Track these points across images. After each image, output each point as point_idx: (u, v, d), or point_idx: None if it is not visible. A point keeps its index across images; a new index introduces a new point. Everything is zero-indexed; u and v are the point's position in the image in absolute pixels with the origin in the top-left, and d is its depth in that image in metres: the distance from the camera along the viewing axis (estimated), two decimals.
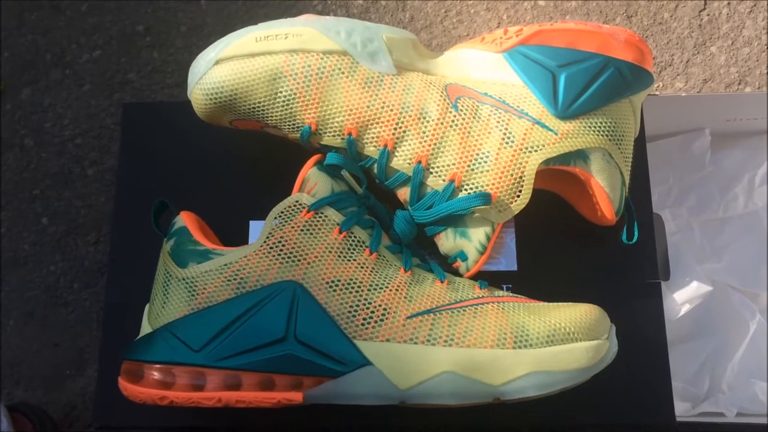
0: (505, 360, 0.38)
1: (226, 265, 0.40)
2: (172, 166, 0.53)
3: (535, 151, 0.43)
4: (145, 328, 0.42)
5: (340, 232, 0.41)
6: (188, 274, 0.41)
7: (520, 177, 0.43)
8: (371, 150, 0.44)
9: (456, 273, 0.46)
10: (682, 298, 0.65)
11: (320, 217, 0.41)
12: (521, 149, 0.43)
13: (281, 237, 0.40)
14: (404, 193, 0.45)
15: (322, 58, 0.43)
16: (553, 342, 0.38)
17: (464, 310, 0.40)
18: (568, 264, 0.50)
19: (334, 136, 0.44)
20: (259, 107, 0.44)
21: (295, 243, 0.40)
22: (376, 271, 0.41)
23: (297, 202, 0.41)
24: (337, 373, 0.38)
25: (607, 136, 0.43)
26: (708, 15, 0.86)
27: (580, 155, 0.43)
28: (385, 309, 0.39)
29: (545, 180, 0.48)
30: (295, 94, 0.43)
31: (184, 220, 0.44)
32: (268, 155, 0.52)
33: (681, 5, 0.86)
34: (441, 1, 0.87)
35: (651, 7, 0.86)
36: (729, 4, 0.86)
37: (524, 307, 0.40)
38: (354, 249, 0.41)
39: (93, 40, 0.85)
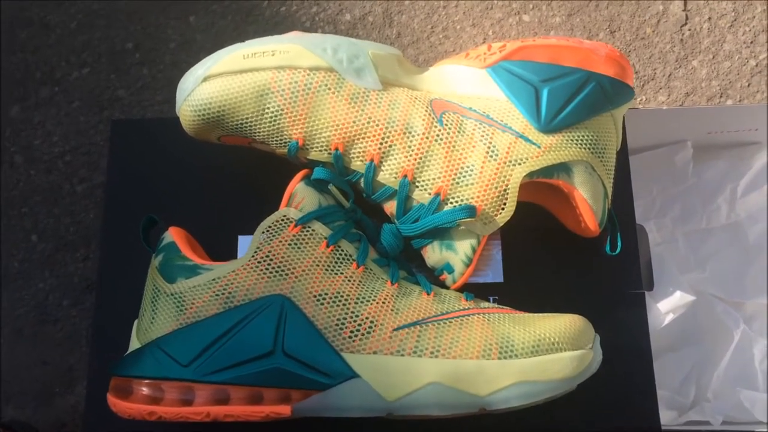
0: (491, 370, 0.38)
1: (214, 279, 0.40)
2: (161, 182, 0.53)
3: (519, 164, 0.43)
4: (134, 344, 0.42)
5: (328, 246, 0.41)
6: (176, 290, 0.41)
7: (505, 190, 0.43)
8: (358, 164, 0.44)
9: (443, 285, 0.46)
10: (666, 307, 0.66)
11: (307, 231, 0.41)
12: (505, 162, 0.43)
13: (269, 251, 0.41)
14: (391, 207, 0.45)
15: (308, 75, 0.44)
16: (538, 352, 0.39)
17: (450, 322, 0.40)
18: (553, 275, 0.50)
19: (321, 151, 0.44)
20: (246, 123, 0.44)
21: (282, 257, 0.41)
22: (363, 284, 0.41)
23: (284, 216, 0.41)
24: (325, 386, 0.39)
25: (589, 149, 0.44)
26: (689, 30, 0.88)
27: (563, 168, 0.44)
28: (372, 321, 0.40)
29: (529, 192, 0.49)
30: (282, 110, 0.44)
31: (173, 235, 0.44)
32: (255, 171, 0.52)
33: (663, 20, 0.88)
34: (428, 18, 0.88)
35: (633, 22, 0.88)
36: (710, 19, 0.88)
37: (509, 318, 0.41)
38: (341, 262, 0.41)
39: (82, 57, 0.85)
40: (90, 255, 0.78)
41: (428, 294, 0.42)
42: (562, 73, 0.45)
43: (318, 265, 0.41)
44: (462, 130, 0.44)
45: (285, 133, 0.44)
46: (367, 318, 0.40)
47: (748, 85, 0.86)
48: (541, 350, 0.39)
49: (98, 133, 0.82)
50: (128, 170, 0.54)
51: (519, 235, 0.49)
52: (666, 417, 0.65)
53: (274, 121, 0.44)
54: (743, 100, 0.85)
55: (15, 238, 0.79)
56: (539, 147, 0.43)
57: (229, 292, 0.40)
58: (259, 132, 0.45)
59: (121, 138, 0.55)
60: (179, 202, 0.52)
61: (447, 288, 0.46)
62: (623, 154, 0.53)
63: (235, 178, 0.53)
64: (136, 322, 0.43)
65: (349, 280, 0.41)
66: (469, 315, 0.41)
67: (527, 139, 0.44)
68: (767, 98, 0.86)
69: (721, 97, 0.85)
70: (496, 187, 0.43)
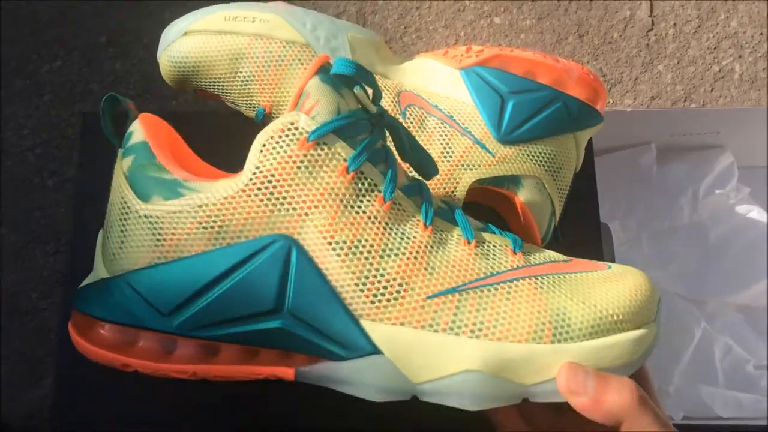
0: (542, 358, 0.31)
1: (200, 206, 0.32)
2: None
3: (471, 169, 0.44)
4: (99, 268, 0.35)
5: (348, 172, 0.32)
6: (152, 212, 0.32)
7: (453, 191, 0.44)
8: None
9: None
10: None
11: (323, 149, 0.31)
12: (457, 165, 0.44)
13: (271, 174, 0.31)
14: None
15: (284, 47, 0.45)
16: (596, 333, 0.32)
17: (496, 290, 0.32)
18: None
19: None
20: (219, 82, 0.45)
21: (289, 184, 0.31)
22: (391, 228, 0.32)
23: (293, 125, 0.31)
24: (339, 357, 0.32)
25: (543, 166, 0.45)
26: (655, 35, 0.90)
27: (513, 180, 0.45)
28: (400, 283, 0.31)
29: (481, 195, 0.50)
30: (253, 76, 0.45)
31: (145, 130, 0.35)
32: (232, 163, 0.52)
33: (630, 26, 0.90)
34: (401, 18, 0.89)
35: (601, 27, 0.89)
36: (675, 25, 0.90)
37: (566, 285, 0.33)
38: (364, 196, 0.32)
39: (54, 50, 0.85)
40: (60, 248, 0.77)
41: (469, 243, 0.33)
42: (531, 88, 0.45)
43: (334, 199, 0.31)
44: (423, 126, 0.45)
45: (254, 98, 0.45)
46: (394, 278, 0.31)
47: (711, 90, 0.88)
48: (601, 331, 0.32)
49: (69, 126, 0.82)
50: (99, 164, 0.54)
51: None
52: None
53: (245, 85, 0.45)
54: (707, 104, 0.88)
55: None
56: (494, 156, 0.44)
57: (220, 225, 0.31)
58: (229, 93, 0.46)
59: (93, 131, 0.55)
60: None
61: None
62: (589, 156, 0.54)
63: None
64: (100, 233, 0.36)
65: (372, 222, 0.32)
66: (518, 279, 0.33)
67: (484, 147, 0.44)
68: (729, 102, 0.88)
69: (685, 101, 0.87)
70: (444, 188, 0.44)
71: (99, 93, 0.83)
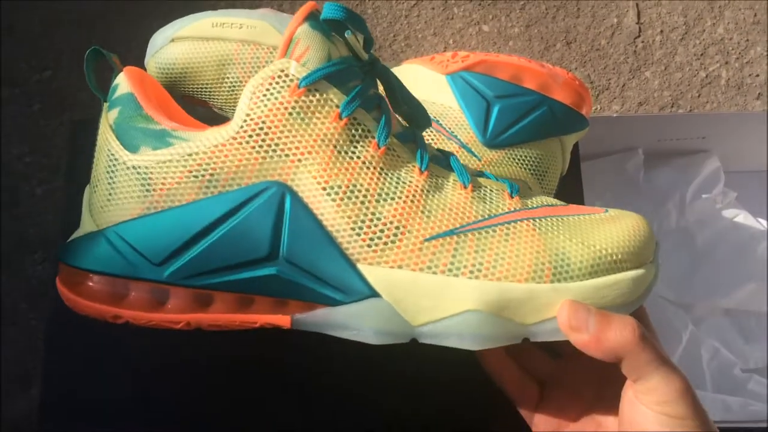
0: (542, 297, 0.31)
1: (190, 155, 0.31)
2: None
3: None
4: (87, 221, 0.34)
5: (341, 118, 0.31)
6: (140, 162, 0.32)
7: None
8: None
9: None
10: None
11: (314, 95, 0.31)
12: None
13: (262, 122, 0.31)
14: None
15: (271, 53, 0.45)
16: (596, 273, 0.31)
17: (494, 231, 0.32)
18: None
19: None
20: (206, 88, 0.46)
21: (281, 131, 0.31)
22: (386, 173, 0.32)
23: (283, 72, 0.31)
24: (336, 302, 0.32)
25: (529, 169, 0.45)
26: (642, 42, 0.91)
27: None
28: (397, 226, 0.31)
29: None
30: (240, 81, 0.45)
31: (130, 82, 0.34)
32: None
33: (617, 33, 0.91)
34: (390, 26, 0.89)
35: (589, 34, 0.90)
36: (662, 32, 0.91)
37: (563, 226, 0.33)
38: (358, 141, 0.32)
39: (44, 61, 0.85)
40: (48, 257, 0.77)
41: (465, 187, 0.33)
42: (516, 92, 0.45)
43: (327, 144, 0.31)
44: None
45: None
46: (391, 222, 0.31)
47: (698, 96, 0.89)
48: (600, 270, 0.31)
49: (58, 135, 0.82)
50: (88, 171, 0.54)
51: None
52: None
53: (232, 90, 0.45)
54: (694, 109, 0.88)
55: None
56: (479, 160, 0.44)
57: (211, 174, 0.31)
58: (217, 98, 0.46)
59: (82, 139, 0.55)
60: None
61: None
62: (575, 160, 0.54)
63: None
64: (87, 188, 0.36)
65: (367, 167, 0.32)
66: (516, 221, 0.32)
67: (470, 151, 0.45)
68: (716, 108, 0.89)
69: (672, 106, 0.88)
70: None
71: (88, 102, 0.84)
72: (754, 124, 0.68)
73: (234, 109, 0.46)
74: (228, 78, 0.45)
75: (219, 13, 0.46)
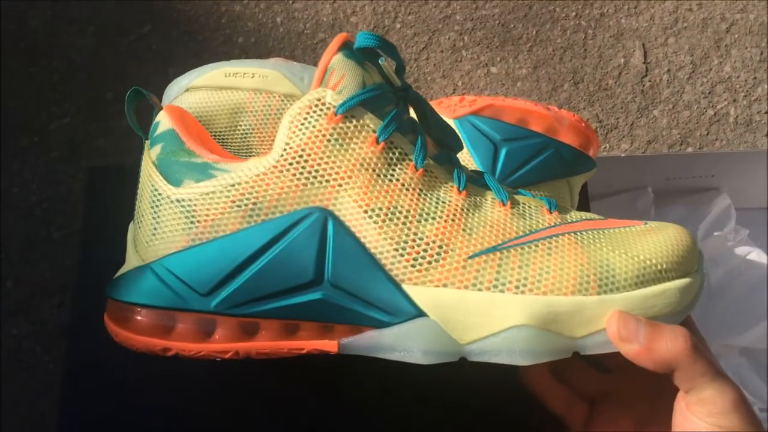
0: (590, 309, 0.31)
1: (233, 185, 0.32)
2: None
3: None
4: (132, 258, 0.34)
5: (378, 142, 0.32)
6: (184, 195, 0.32)
7: None
8: None
9: None
10: None
11: (351, 121, 0.32)
12: None
13: (302, 149, 0.31)
14: None
15: (282, 101, 0.46)
16: (642, 283, 0.31)
17: (536, 246, 0.32)
18: None
19: None
20: (219, 136, 0.47)
21: (320, 157, 0.31)
22: (425, 194, 0.32)
23: (320, 101, 0.32)
24: (384, 324, 0.32)
25: None
26: (650, 81, 0.92)
27: None
28: (440, 245, 0.31)
29: None
30: (253, 129, 0.46)
31: (172, 119, 0.35)
32: None
33: (624, 72, 0.92)
34: None
35: (596, 74, 0.91)
36: (669, 71, 0.92)
37: (605, 238, 0.33)
38: (396, 164, 0.32)
39: (63, 107, 0.87)
40: (65, 301, 0.78)
41: (504, 204, 0.34)
42: (523, 135, 0.46)
43: (366, 169, 0.32)
44: None
45: (254, 150, 0.47)
46: (433, 241, 0.31)
47: (707, 134, 0.89)
48: (646, 280, 0.31)
49: (76, 181, 0.83)
50: (105, 217, 0.55)
51: None
52: None
53: (245, 138, 0.46)
54: (703, 147, 0.89)
55: None
56: None
57: (254, 203, 0.32)
58: (229, 146, 0.47)
59: (100, 185, 0.56)
60: None
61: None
62: (584, 200, 0.54)
63: None
64: (131, 226, 0.36)
65: (406, 189, 0.32)
66: (557, 235, 0.32)
67: None
68: (726, 145, 0.89)
69: (681, 144, 0.89)
70: None
71: (105, 148, 0.85)
72: (763, 161, 0.68)
73: (246, 156, 0.47)
74: (240, 126, 0.46)
75: (232, 63, 0.47)
